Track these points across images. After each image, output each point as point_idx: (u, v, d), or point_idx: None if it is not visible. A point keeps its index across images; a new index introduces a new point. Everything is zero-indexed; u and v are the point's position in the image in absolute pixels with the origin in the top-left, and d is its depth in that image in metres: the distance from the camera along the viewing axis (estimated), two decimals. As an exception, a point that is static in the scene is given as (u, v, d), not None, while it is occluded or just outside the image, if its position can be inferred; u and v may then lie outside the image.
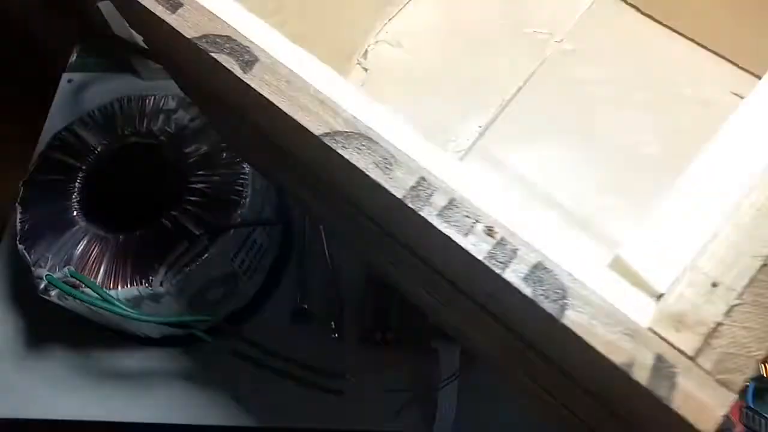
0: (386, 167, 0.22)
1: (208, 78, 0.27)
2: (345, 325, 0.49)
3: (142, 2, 0.26)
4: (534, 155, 0.39)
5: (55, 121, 0.60)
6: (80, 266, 0.43)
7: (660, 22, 0.42)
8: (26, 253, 0.44)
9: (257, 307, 0.50)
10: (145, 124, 0.49)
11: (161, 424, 0.48)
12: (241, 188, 0.45)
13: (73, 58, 0.65)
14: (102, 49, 0.64)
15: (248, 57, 0.25)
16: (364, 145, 0.23)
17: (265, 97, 0.24)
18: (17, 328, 0.52)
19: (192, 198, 0.45)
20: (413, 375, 0.47)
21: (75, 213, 0.46)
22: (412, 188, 0.22)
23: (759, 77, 0.38)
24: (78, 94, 0.62)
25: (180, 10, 0.26)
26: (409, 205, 0.22)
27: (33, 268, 0.43)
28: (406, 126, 0.24)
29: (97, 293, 0.40)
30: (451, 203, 0.22)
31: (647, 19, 0.42)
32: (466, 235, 0.21)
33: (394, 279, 0.39)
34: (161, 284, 0.42)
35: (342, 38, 0.41)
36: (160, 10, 0.26)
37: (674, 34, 0.41)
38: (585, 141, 0.40)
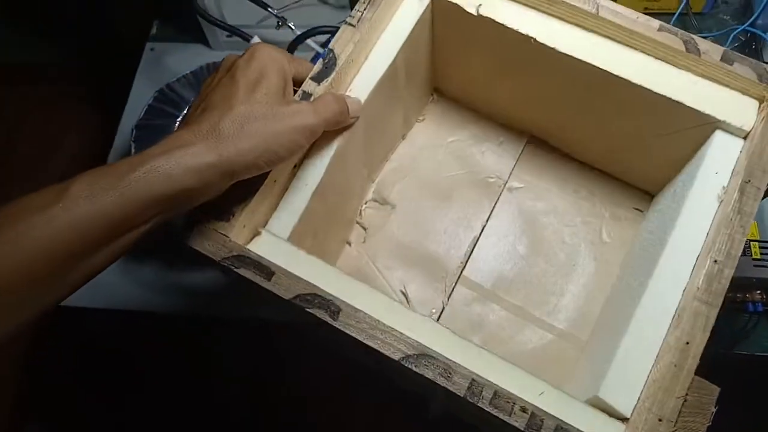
0: (447, 376, 0.34)
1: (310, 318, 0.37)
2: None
3: (245, 275, 0.36)
4: (505, 277, 0.52)
5: (141, 82, 0.71)
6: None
7: (577, 160, 0.56)
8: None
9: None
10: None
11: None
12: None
13: (154, 30, 0.75)
14: (177, 22, 0.75)
15: (333, 308, 0.36)
16: (429, 362, 0.34)
17: (351, 335, 0.35)
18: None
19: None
20: None
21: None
22: (468, 388, 0.34)
23: (651, 194, 0.53)
24: (159, 60, 0.73)
25: (273, 278, 0.36)
26: (469, 399, 0.34)
27: None
28: (451, 339, 0.36)
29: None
30: (496, 394, 0.34)
31: (566, 157, 0.56)
32: (509, 415, 0.33)
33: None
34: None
35: (347, 208, 0.52)
36: (259, 279, 0.36)
37: (588, 167, 0.55)
38: (538, 256, 0.53)
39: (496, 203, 0.55)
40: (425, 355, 0.35)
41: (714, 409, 0.33)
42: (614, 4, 0.43)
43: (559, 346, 0.50)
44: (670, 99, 0.42)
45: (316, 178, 0.42)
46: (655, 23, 0.43)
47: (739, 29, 0.63)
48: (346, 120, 0.42)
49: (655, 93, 0.42)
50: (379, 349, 0.35)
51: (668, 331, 0.36)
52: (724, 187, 0.39)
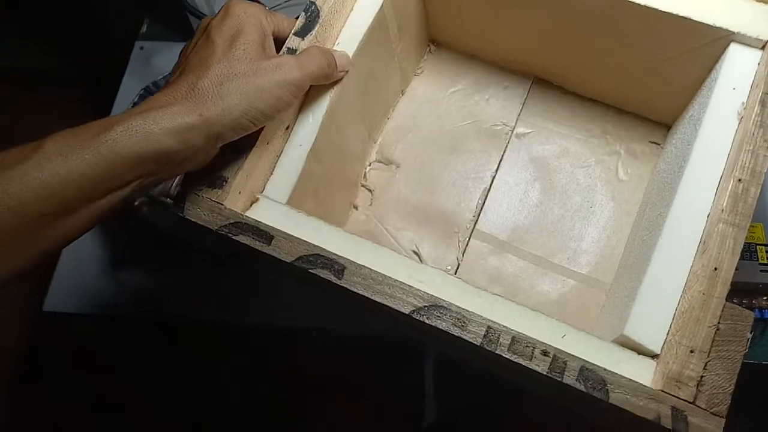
0: (462, 325, 0.33)
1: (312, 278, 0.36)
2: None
3: (243, 242, 0.35)
4: (520, 226, 0.50)
5: (129, 81, 0.70)
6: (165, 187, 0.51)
7: (586, 97, 0.53)
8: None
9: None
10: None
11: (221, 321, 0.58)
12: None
13: (144, 28, 0.74)
14: (168, 21, 0.73)
15: (337, 267, 0.34)
16: (441, 313, 0.33)
17: (359, 293, 0.34)
18: (108, 243, 0.61)
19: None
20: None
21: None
22: (485, 336, 0.32)
23: (668, 126, 0.50)
24: (148, 59, 0.72)
25: (273, 242, 0.35)
26: (486, 347, 0.32)
27: None
28: (464, 289, 0.34)
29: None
30: (514, 340, 0.32)
31: (574, 96, 0.53)
32: (530, 359, 0.32)
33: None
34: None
35: (349, 170, 0.50)
36: (258, 245, 0.35)
37: (598, 103, 0.53)
38: (553, 202, 0.51)
39: (504, 151, 0.53)
40: (437, 306, 0.33)
41: (750, 336, 0.31)
42: None
43: (583, 292, 0.48)
44: (676, 15, 0.39)
45: (310, 137, 0.41)
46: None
47: None
48: (334, 74, 0.40)
49: (660, 11, 0.39)
50: (387, 303, 0.33)
51: (694, 259, 0.34)
52: (743, 103, 0.37)
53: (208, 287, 0.58)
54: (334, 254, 0.34)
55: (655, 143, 0.51)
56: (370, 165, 0.53)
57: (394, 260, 0.35)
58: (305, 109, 0.41)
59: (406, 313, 0.33)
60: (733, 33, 0.38)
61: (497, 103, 0.54)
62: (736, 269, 0.52)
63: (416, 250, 0.50)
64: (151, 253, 0.59)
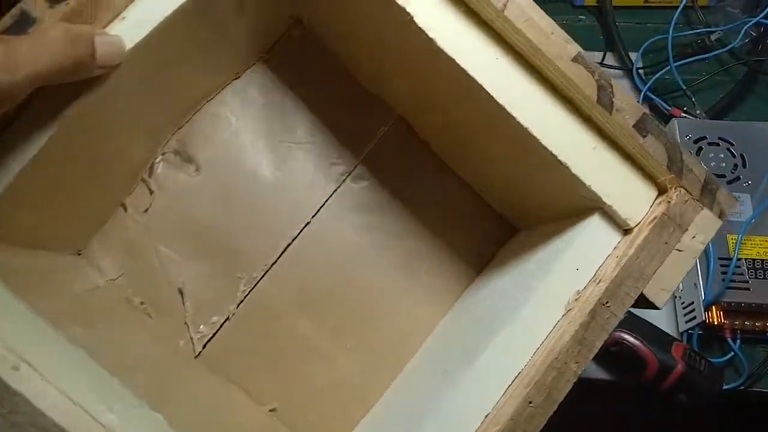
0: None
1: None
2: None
3: None
4: (314, 290, 0.42)
5: None
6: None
7: (442, 160, 0.44)
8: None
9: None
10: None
11: None
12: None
13: None
14: None
15: None
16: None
17: None
18: None
19: None
20: None
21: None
22: None
23: (519, 229, 0.44)
24: None
25: None
26: None
27: None
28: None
29: None
30: None
31: (433, 156, 0.44)
32: None
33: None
34: None
35: (122, 159, 0.38)
36: None
37: (452, 174, 0.44)
38: (361, 275, 0.43)
39: (331, 196, 0.43)
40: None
41: None
42: (532, 4, 0.30)
43: (357, 386, 0.42)
44: (555, 157, 0.31)
45: (34, 143, 0.28)
46: (573, 49, 0.30)
47: (751, 23, 0.58)
48: (89, 70, 0.27)
49: (542, 145, 0.31)
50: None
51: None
52: (578, 292, 0.31)
53: None
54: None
55: (493, 249, 0.44)
56: (163, 155, 0.41)
57: (87, 377, 0.26)
58: (37, 103, 0.28)
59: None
60: (605, 204, 0.31)
61: (345, 130, 0.44)
62: (747, 289, 0.48)
63: (182, 289, 0.40)
64: None
